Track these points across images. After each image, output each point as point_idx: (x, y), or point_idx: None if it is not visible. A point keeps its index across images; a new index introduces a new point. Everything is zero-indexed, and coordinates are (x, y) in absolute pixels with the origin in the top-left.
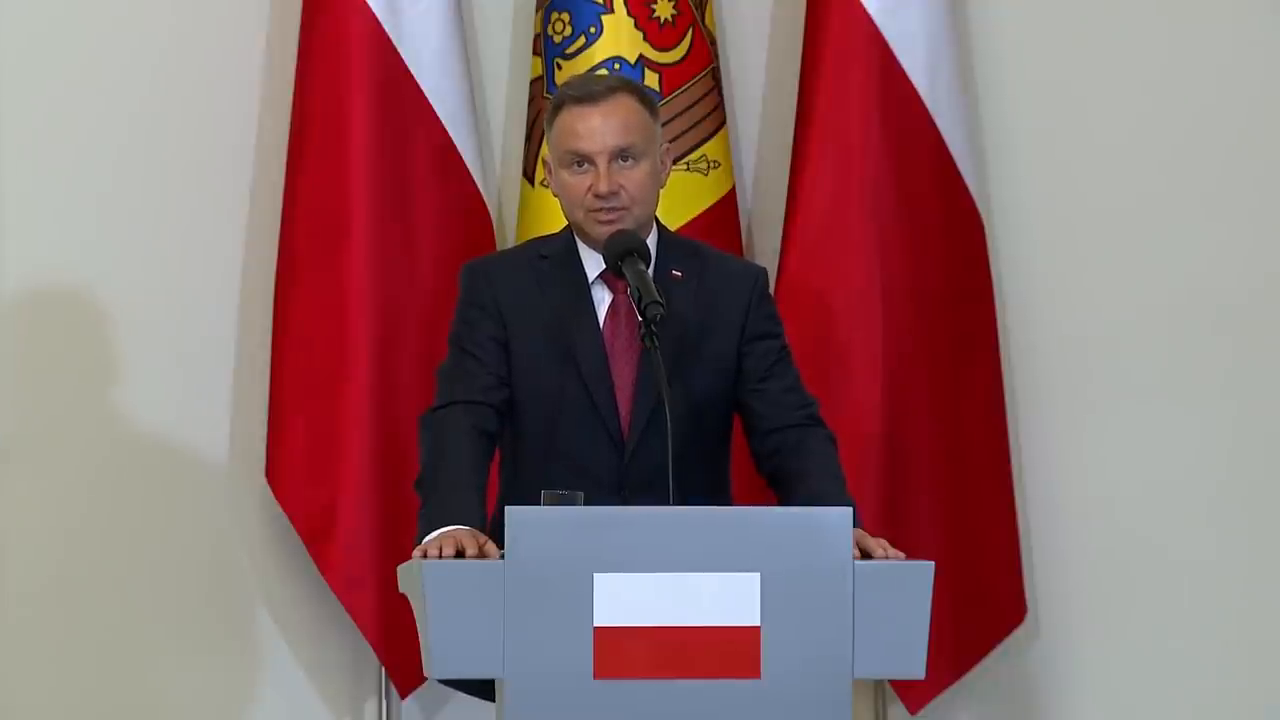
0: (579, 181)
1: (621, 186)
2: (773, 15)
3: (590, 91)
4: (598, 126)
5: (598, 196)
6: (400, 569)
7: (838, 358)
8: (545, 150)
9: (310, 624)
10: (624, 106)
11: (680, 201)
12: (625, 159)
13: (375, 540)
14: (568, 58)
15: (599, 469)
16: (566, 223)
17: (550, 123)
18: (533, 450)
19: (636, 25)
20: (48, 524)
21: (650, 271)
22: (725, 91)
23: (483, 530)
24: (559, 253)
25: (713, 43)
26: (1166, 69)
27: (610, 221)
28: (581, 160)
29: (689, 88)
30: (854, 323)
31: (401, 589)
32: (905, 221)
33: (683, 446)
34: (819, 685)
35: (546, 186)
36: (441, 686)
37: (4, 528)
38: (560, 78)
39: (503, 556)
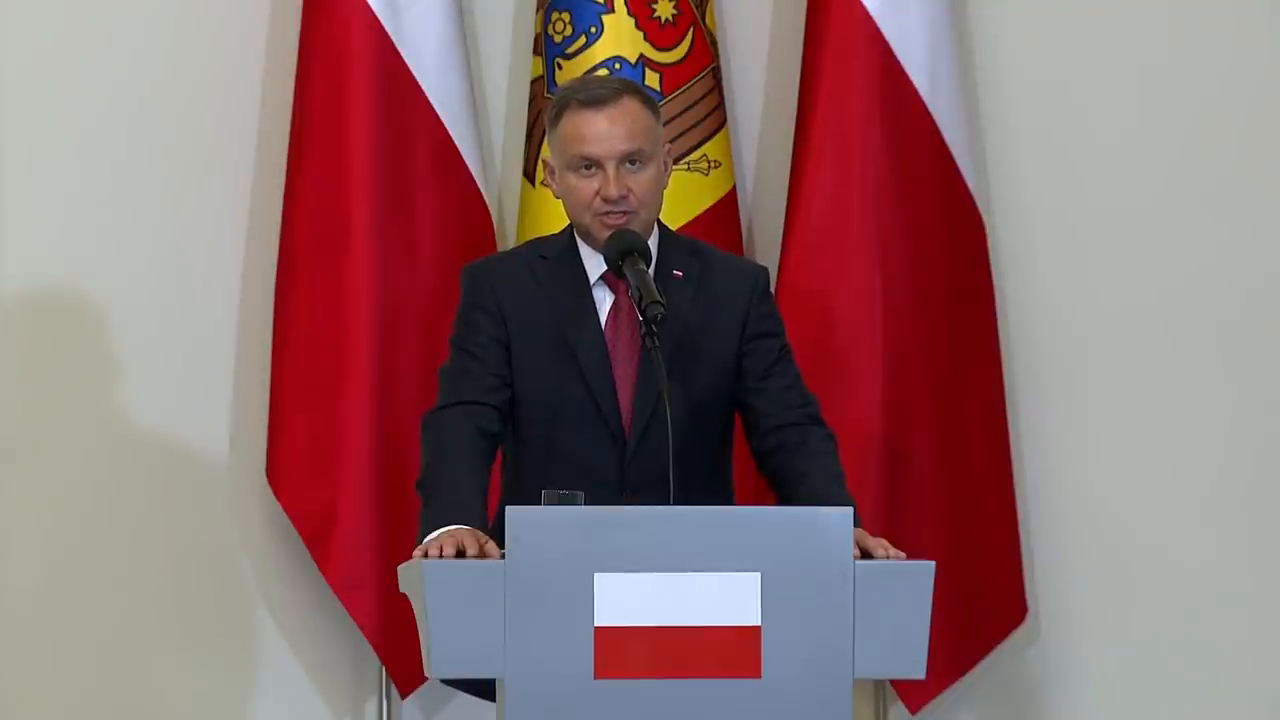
0: (586, 185)
1: (630, 190)
2: (773, 15)
3: (596, 95)
4: (605, 131)
5: (606, 201)
6: (401, 569)
7: (838, 358)
8: (545, 151)
9: (310, 624)
10: (630, 110)
11: (680, 201)
12: (632, 163)
13: (375, 540)
14: (568, 57)
15: (600, 469)
16: (567, 223)
17: (553, 125)
18: (534, 450)
19: (637, 25)
20: (48, 523)
21: (651, 271)
22: (725, 91)
23: (484, 530)
24: (560, 253)
25: (713, 42)
26: (1166, 68)
27: (618, 225)
28: (589, 164)
29: (689, 87)
30: (854, 323)
31: (402, 589)
32: (905, 221)
33: (684, 446)
34: (819, 685)
35: (547, 187)
36: (441, 686)
37: (5, 527)
38: (561, 78)
39: (503, 556)
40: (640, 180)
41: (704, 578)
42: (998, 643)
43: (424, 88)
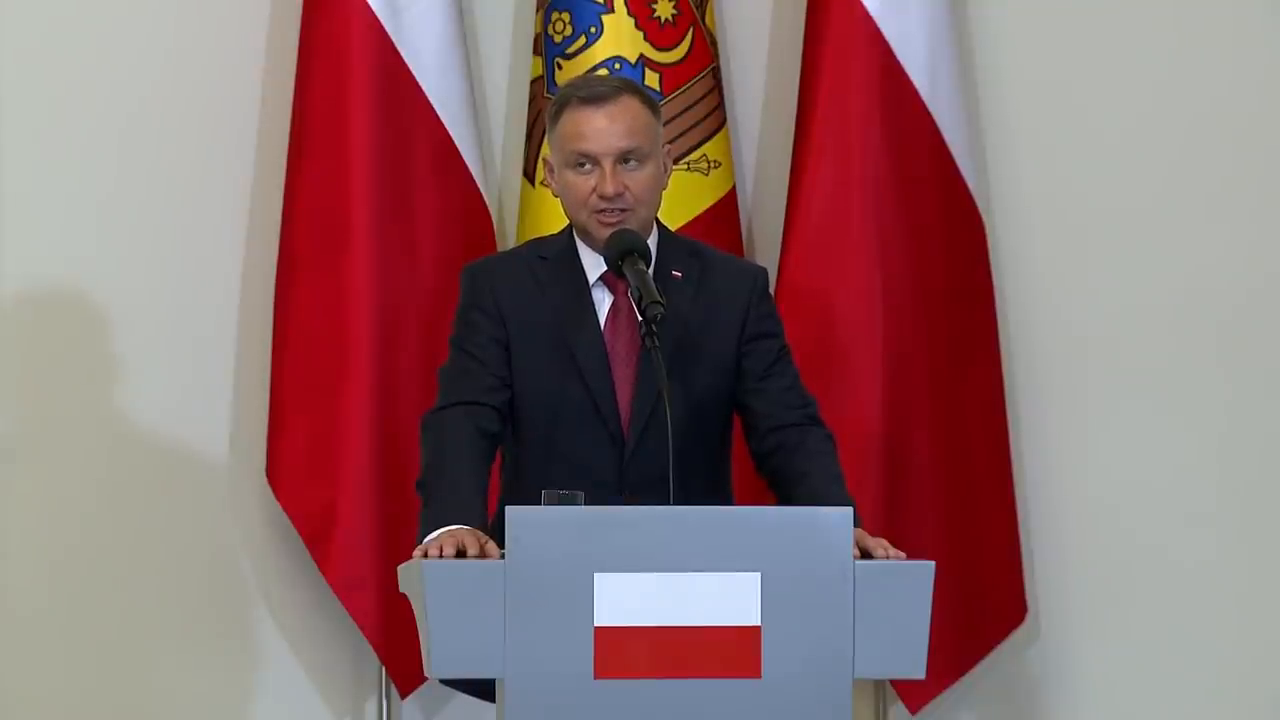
0: (583, 182)
1: (626, 188)
2: (773, 15)
3: (596, 93)
4: (604, 128)
5: (603, 198)
6: (401, 569)
7: (838, 358)
8: (545, 150)
9: (310, 624)
10: (629, 108)
11: (680, 201)
12: (630, 161)
13: (375, 540)
14: (568, 57)
15: (600, 469)
16: (567, 223)
17: (553, 122)
18: (534, 451)
19: (637, 25)
20: (49, 523)
21: (650, 272)
22: (725, 91)
23: (484, 530)
24: (559, 254)
25: (713, 42)
26: (1167, 69)
27: (614, 223)
28: (586, 161)
29: (689, 87)
30: (854, 323)
31: (402, 589)
32: (905, 221)
33: (683, 446)
34: (819, 685)
35: (547, 186)
36: (441, 686)
37: (5, 527)
38: (561, 78)
39: (503, 556)
40: (638, 178)
41: (704, 578)
42: (998, 643)
43: (424, 88)
